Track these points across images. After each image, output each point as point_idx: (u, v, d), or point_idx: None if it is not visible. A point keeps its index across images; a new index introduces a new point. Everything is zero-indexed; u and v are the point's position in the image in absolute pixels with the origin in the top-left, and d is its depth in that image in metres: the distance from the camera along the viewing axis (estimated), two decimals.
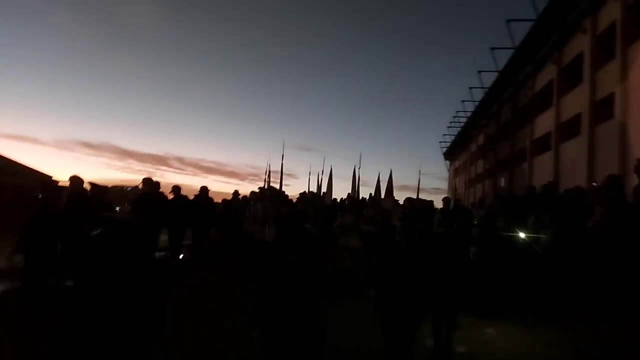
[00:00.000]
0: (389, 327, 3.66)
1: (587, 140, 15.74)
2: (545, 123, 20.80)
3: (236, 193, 11.32)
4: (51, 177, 23.07)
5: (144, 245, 2.41)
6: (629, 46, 13.54)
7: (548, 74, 20.51)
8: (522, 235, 5.23)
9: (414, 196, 11.02)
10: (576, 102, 17.20)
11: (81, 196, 6.45)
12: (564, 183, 13.66)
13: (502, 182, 27.61)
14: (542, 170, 20.52)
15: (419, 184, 12.72)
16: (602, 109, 15.07)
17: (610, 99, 14.39)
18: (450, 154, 51.64)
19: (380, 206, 10.31)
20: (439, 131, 52.76)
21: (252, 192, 11.92)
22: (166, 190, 9.75)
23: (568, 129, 18.12)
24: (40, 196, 6.08)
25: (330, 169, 12.23)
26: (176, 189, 9.79)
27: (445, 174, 54.60)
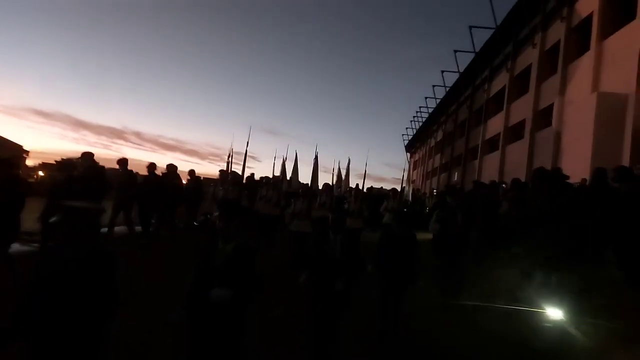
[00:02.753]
0: (312, 308, 3.86)
1: (528, 144, 17.69)
2: (495, 125, 22.80)
3: (192, 173, 11.84)
4: (22, 146, 22.70)
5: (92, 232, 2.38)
6: (569, 64, 15.41)
7: (502, 80, 22.43)
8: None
9: (376, 184, 12.25)
10: (522, 109, 19.16)
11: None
12: (507, 180, 15.45)
13: (456, 176, 29.74)
14: (490, 167, 22.57)
15: (365, 173, 14.20)
16: (543, 117, 17.02)
17: (549, 109, 16.29)
18: (411, 147, 53.94)
19: (333, 192, 10.85)
20: (404, 124, 54.88)
21: (220, 173, 12.38)
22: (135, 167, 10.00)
23: (514, 133, 20.13)
24: None
25: (295, 154, 12.91)
26: (151, 166, 10.07)
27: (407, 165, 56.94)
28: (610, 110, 11.94)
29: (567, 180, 5.95)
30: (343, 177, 13.60)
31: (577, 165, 11.95)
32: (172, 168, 10.60)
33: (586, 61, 14.15)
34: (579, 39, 15.18)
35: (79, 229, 2.27)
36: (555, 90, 15.91)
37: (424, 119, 41.35)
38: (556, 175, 5.50)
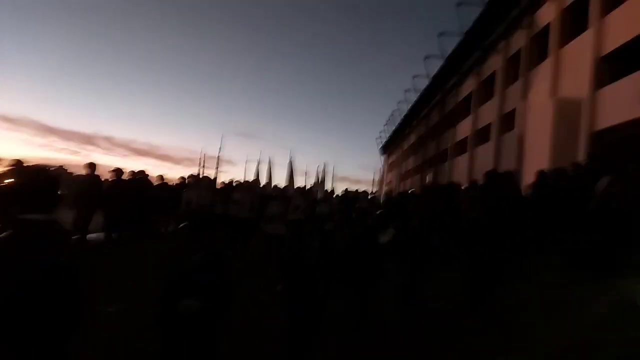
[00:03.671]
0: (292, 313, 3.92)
1: (494, 146, 18.52)
2: (464, 128, 23.68)
3: (161, 178, 11.71)
4: None
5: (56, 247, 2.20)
6: (530, 70, 16.27)
7: (470, 85, 23.34)
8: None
9: (353, 187, 12.66)
10: (489, 113, 20.03)
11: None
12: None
13: (428, 178, 30.56)
14: (460, 169, 23.39)
15: (332, 176, 14.45)
16: (507, 120, 17.86)
17: (513, 113, 17.13)
18: (386, 149, 54.89)
19: (308, 195, 11.21)
20: (379, 127, 55.80)
21: (189, 177, 12.14)
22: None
23: (482, 135, 20.99)
24: None
25: (269, 159, 13.03)
26: (118, 171, 9.97)
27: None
28: (566, 114, 12.74)
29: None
30: (319, 180, 13.94)
31: (538, 166, 12.62)
32: (140, 174, 10.57)
33: (545, 68, 15.01)
34: (539, 47, 16.05)
35: (32, 243, 2.05)
36: (518, 95, 16.77)
37: (397, 122, 42.27)
38: (506, 177, 6.03)
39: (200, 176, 11.74)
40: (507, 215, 4.78)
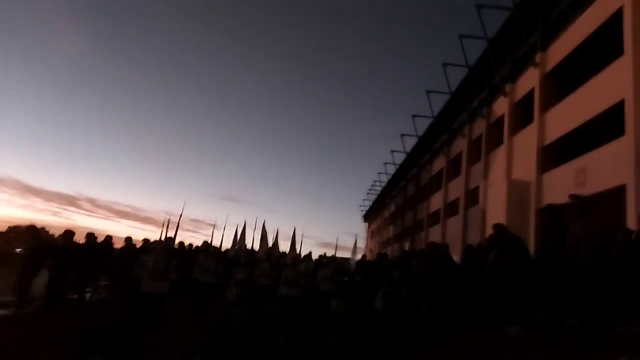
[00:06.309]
0: None
1: (462, 219, 20.25)
2: (437, 201, 25.61)
3: (129, 239, 11.49)
4: None
5: None
6: (489, 153, 18.50)
7: (440, 163, 25.66)
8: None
9: (339, 253, 13.38)
10: (457, 189, 22.05)
11: None
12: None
13: (406, 246, 31.92)
14: (435, 238, 24.86)
15: (295, 240, 14.75)
16: (473, 196, 19.79)
17: (476, 190, 19.09)
18: (368, 217, 56.62)
19: (298, 268, 10.42)
20: (362, 196, 57.98)
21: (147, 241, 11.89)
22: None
23: (452, 208, 22.85)
24: None
25: (244, 223, 14.07)
26: (66, 234, 9.58)
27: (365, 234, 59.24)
28: (517, 194, 14.63)
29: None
30: (290, 244, 15.08)
31: None
32: (90, 238, 10.31)
33: (501, 152, 17.22)
34: (496, 134, 18.42)
35: None
36: (480, 174, 18.86)
37: (378, 192, 44.44)
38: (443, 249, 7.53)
39: (163, 239, 11.12)
40: (437, 284, 6.05)
